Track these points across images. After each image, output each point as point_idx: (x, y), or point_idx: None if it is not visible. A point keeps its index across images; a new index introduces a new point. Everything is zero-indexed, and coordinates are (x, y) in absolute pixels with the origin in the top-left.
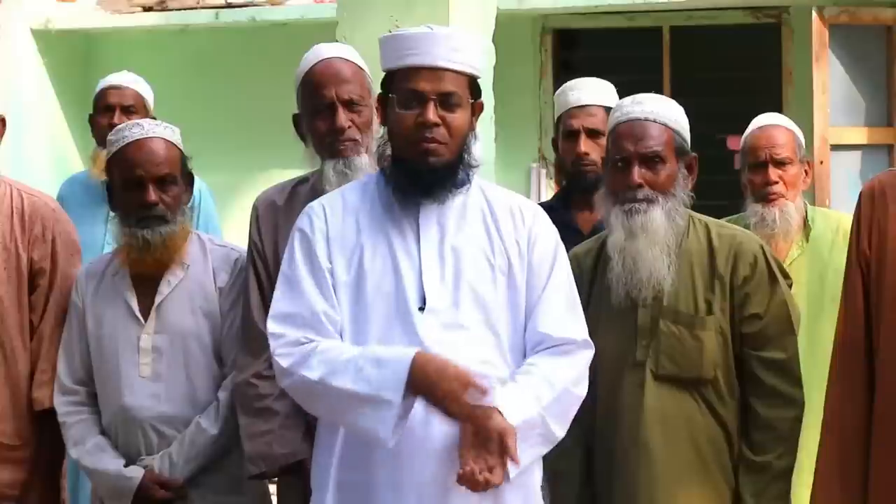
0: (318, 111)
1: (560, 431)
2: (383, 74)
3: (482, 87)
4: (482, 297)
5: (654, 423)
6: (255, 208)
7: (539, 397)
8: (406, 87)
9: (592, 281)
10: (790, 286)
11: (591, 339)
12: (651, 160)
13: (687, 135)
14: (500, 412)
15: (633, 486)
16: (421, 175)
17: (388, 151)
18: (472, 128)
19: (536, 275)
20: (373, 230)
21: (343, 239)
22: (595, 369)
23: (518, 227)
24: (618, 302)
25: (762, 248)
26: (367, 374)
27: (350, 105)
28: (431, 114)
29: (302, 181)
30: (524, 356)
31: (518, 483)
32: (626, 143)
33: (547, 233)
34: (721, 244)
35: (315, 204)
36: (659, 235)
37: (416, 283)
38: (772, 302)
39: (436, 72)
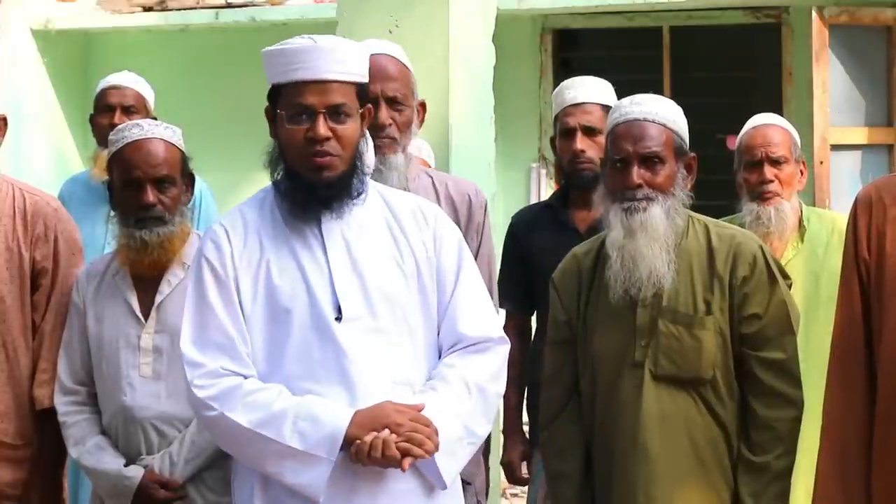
0: None
1: (484, 428)
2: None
3: (482, 87)
4: (396, 302)
5: (652, 424)
6: None
7: (459, 411)
8: (294, 101)
9: (592, 281)
10: (789, 286)
11: (590, 339)
12: (650, 160)
13: (686, 135)
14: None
15: (632, 487)
16: (316, 190)
17: (280, 166)
18: (362, 135)
19: (446, 276)
20: (276, 245)
21: (247, 259)
22: (594, 369)
23: (422, 229)
24: (616, 301)
25: (761, 248)
26: (301, 428)
27: (393, 103)
28: (322, 128)
29: None
30: (440, 354)
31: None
32: (625, 143)
33: (451, 233)
34: (720, 244)
35: (215, 227)
36: (658, 233)
37: (329, 294)
38: (771, 302)
39: (323, 84)
